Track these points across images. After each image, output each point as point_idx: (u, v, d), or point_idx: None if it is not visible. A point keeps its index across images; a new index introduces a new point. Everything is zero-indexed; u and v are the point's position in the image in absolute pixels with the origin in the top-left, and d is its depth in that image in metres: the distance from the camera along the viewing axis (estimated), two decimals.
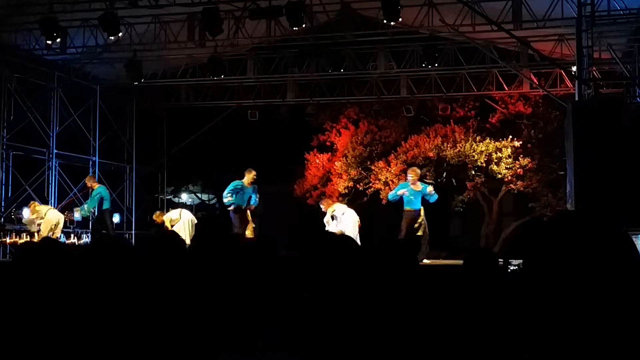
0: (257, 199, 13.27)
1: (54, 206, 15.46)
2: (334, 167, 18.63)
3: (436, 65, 15.33)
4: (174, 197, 24.32)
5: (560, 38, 14.49)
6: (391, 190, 17.53)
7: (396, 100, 17.96)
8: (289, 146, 20.30)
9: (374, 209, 18.04)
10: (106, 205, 14.65)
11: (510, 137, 17.37)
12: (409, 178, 13.02)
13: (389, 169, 17.84)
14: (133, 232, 18.45)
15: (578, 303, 1.57)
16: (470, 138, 17.48)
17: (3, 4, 13.93)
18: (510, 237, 18.20)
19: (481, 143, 17.33)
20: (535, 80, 16.17)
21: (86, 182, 15.05)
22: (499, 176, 17.31)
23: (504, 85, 16.88)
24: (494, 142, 17.32)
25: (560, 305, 1.58)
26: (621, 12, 12.31)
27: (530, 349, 1.61)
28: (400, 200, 12.93)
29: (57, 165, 16.59)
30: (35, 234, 13.83)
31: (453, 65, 15.93)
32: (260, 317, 2.27)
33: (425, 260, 12.56)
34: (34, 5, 13.87)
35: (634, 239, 1.72)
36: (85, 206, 14.85)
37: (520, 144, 17.28)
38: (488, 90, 17.10)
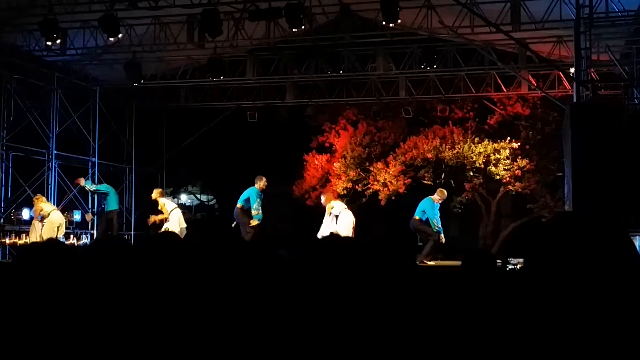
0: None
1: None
2: (333, 168, 18.62)
3: (435, 66, 15.33)
4: (174, 198, 24.31)
5: (559, 40, 14.47)
6: (390, 191, 17.71)
7: (395, 101, 17.96)
8: (288, 147, 20.29)
9: (372, 210, 18.08)
10: (114, 206, 14.75)
11: (509, 138, 17.40)
12: (436, 197, 13.25)
13: (388, 170, 17.84)
14: (132, 232, 18.47)
15: (578, 303, 1.58)
16: (468, 139, 17.50)
17: (3, 5, 13.94)
18: (508, 238, 18.22)
19: (479, 144, 17.36)
20: (534, 82, 16.17)
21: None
22: (497, 177, 17.32)
23: (503, 87, 16.86)
24: (493, 144, 17.34)
25: (561, 305, 1.59)
26: (619, 14, 12.33)
27: (530, 349, 1.61)
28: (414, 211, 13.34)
29: (56, 166, 16.61)
30: (33, 227, 13.86)
31: (452, 67, 15.95)
32: (260, 317, 2.29)
33: (429, 262, 12.69)
34: (34, 6, 13.87)
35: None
36: (92, 184, 15.43)
37: (518, 146, 17.31)
38: (486, 92, 17.10)
